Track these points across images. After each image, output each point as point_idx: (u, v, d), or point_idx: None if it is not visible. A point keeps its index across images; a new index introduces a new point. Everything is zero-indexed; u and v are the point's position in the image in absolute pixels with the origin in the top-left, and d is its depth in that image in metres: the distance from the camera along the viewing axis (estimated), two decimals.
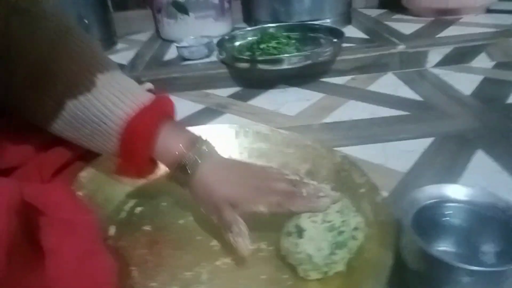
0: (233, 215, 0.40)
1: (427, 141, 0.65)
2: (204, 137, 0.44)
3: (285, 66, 0.89)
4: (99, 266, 0.29)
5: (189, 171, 0.41)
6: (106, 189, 0.50)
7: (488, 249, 0.36)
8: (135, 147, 0.41)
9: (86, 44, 0.43)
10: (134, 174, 0.47)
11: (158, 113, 0.43)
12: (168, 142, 0.42)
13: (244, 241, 0.39)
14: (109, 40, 1.28)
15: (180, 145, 0.42)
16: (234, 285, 0.39)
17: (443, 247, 0.40)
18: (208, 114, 0.84)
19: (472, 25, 1.14)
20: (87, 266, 0.28)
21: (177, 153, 0.41)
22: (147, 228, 0.46)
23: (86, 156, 0.51)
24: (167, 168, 0.45)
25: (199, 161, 0.41)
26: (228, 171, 0.43)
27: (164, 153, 0.42)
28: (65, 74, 0.40)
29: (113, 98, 0.41)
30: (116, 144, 0.41)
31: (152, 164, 0.45)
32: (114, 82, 0.42)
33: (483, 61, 0.98)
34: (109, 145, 0.42)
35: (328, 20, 1.20)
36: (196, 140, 0.43)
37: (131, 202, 0.51)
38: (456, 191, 0.38)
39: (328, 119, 0.77)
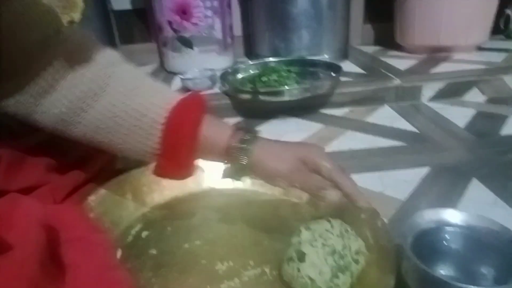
0: (319, 181, 0.41)
1: (423, 171, 0.67)
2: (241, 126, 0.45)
3: (285, 98, 0.92)
4: (117, 279, 0.30)
5: (242, 159, 0.41)
6: (114, 213, 0.51)
7: (485, 272, 0.38)
8: (180, 138, 0.40)
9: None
10: (176, 172, 0.44)
11: (198, 105, 0.42)
12: (214, 132, 0.41)
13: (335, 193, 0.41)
14: None
15: (226, 134, 0.42)
16: None
17: (442, 271, 0.41)
18: None
19: (463, 62, 1.20)
20: (105, 279, 0.29)
21: (225, 142, 0.41)
22: (152, 251, 0.47)
23: (96, 179, 0.53)
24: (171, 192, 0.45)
25: (249, 147, 0.42)
26: (277, 146, 0.44)
27: (210, 143, 0.41)
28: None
29: (150, 91, 0.41)
30: (159, 137, 0.40)
31: (193, 160, 0.44)
32: (144, 77, 0.43)
33: (475, 96, 1.02)
34: (150, 141, 0.40)
35: (325, 56, 1.26)
36: (239, 128, 0.44)
37: (138, 226, 0.52)
38: (454, 216, 0.40)
39: (327, 149, 0.79)
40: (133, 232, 0.51)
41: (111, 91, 0.40)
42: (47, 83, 0.38)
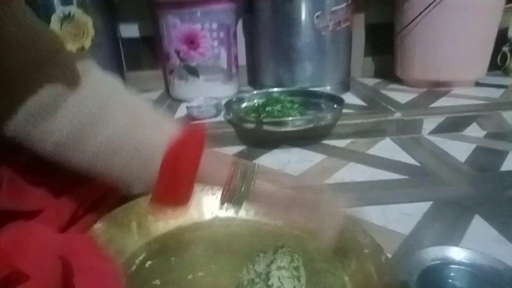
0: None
1: (426, 205, 0.67)
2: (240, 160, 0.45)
3: (289, 128, 0.94)
4: None
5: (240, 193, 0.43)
6: (118, 241, 0.52)
7: None
8: (177, 175, 0.40)
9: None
10: (171, 202, 0.44)
11: (198, 139, 0.42)
12: (213, 169, 0.43)
13: None
14: None
15: (225, 170, 0.42)
16: None
17: None
18: None
19: (462, 97, 1.22)
20: None
21: (224, 178, 0.42)
22: (156, 282, 0.47)
23: (101, 204, 0.53)
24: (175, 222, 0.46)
25: (248, 184, 0.42)
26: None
27: (210, 180, 0.43)
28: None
29: (151, 123, 0.42)
30: (157, 169, 0.40)
31: (190, 193, 0.44)
32: (145, 107, 0.44)
33: (475, 131, 1.04)
34: (146, 174, 0.41)
35: (328, 88, 1.29)
36: (239, 163, 0.44)
37: (142, 256, 0.52)
38: (459, 254, 0.40)
39: (330, 180, 0.80)
40: (137, 261, 0.51)
41: (112, 121, 0.40)
42: (45, 103, 0.38)
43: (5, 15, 0.36)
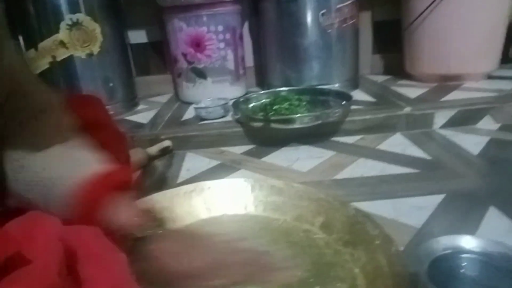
0: None
1: (438, 198, 0.66)
2: (155, 209, 0.43)
3: (297, 125, 0.93)
4: None
5: (139, 245, 0.39)
6: None
7: None
8: (84, 215, 0.39)
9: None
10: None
11: (110, 183, 0.41)
12: (117, 213, 0.40)
13: None
14: (131, 101, 1.37)
15: (130, 216, 0.40)
16: None
17: None
18: (223, 169, 0.87)
19: (474, 90, 1.20)
20: None
21: (126, 225, 0.40)
22: None
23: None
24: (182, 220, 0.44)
25: (149, 234, 0.40)
26: (181, 244, 0.41)
27: (112, 224, 0.40)
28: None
29: (66, 166, 0.41)
30: (68, 208, 0.39)
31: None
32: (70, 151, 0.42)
33: (488, 123, 1.02)
34: (61, 208, 0.39)
35: (336, 85, 1.28)
36: (148, 213, 0.42)
37: None
38: (469, 242, 0.39)
39: (339, 176, 0.79)
40: None
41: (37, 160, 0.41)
42: None
43: None
